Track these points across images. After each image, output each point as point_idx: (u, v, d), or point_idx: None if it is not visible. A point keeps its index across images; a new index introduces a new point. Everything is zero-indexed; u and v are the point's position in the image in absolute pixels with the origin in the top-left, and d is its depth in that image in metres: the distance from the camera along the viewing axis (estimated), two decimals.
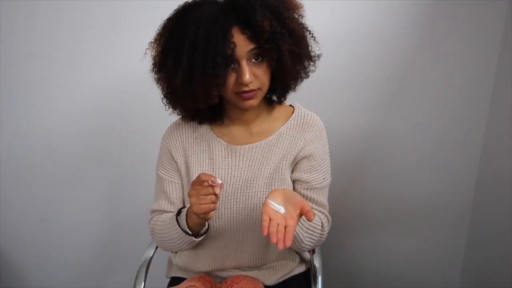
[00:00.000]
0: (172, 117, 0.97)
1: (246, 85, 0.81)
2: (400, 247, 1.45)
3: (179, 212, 0.91)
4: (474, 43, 1.17)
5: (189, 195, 0.81)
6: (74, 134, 1.43)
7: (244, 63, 0.80)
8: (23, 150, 1.46)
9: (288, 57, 0.81)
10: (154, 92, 0.92)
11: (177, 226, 0.89)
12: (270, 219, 0.71)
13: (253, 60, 0.81)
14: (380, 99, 1.28)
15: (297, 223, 0.75)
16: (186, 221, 0.88)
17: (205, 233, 0.92)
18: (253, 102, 0.85)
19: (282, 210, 0.73)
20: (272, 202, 0.74)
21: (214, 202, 0.79)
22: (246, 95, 0.83)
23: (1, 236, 1.58)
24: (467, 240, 1.38)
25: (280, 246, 0.68)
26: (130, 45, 1.21)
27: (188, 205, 0.90)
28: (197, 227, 0.89)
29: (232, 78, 0.81)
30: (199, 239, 0.91)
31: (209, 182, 0.77)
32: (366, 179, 1.38)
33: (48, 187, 1.50)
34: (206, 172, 0.93)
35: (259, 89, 0.84)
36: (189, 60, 0.77)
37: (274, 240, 0.68)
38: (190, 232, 0.89)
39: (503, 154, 1.17)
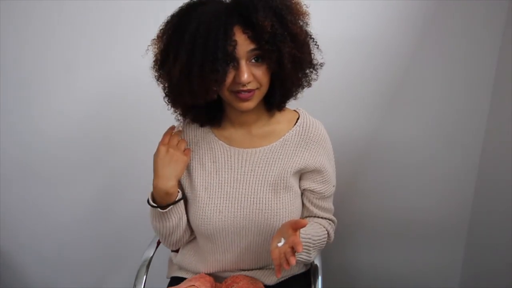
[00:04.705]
0: (171, 120, 0.96)
1: (244, 85, 0.81)
2: (399, 248, 1.45)
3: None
4: (474, 44, 1.17)
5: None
6: (74, 135, 1.42)
7: (243, 63, 0.79)
8: (22, 151, 1.46)
9: (288, 60, 0.80)
10: (152, 96, 0.92)
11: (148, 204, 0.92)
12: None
13: (253, 60, 0.81)
14: (380, 103, 1.28)
15: (298, 236, 0.81)
16: (153, 196, 0.92)
17: (174, 202, 0.92)
18: (250, 104, 0.84)
19: (282, 241, 0.79)
20: (278, 245, 0.80)
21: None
22: (243, 95, 0.82)
23: (1, 236, 1.58)
24: (466, 240, 1.38)
25: (287, 267, 0.76)
26: (129, 50, 1.22)
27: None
28: (164, 198, 0.91)
29: (230, 76, 0.80)
30: (166, 210, 0.91)
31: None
32: (366, 182, 1.38)
33: (48, 187, 1.50)
34: (210, 174, 0.94)
35: (257, 89, 0.83)
36: (188, 54, 0.77)
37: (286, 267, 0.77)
38: (155, 204, 0.91)
39: (503, 158, 1.17)
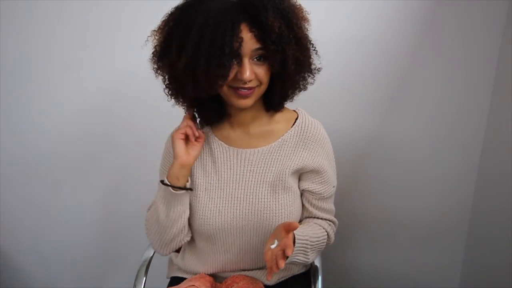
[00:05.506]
0: (171, 120, 0.96)
1: (245, 82, 0.81)
2: (399, 248, 1.45)
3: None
4: (474, 44, 1.17)
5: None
6: (74, 135, 1.43)
7: (246, 61, 0.80)
8: (22, 151, 1.46)
9: (292, 62, 0.81)
10: (153, 96, 0.92)
11: (160, 186, 0.91)
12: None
13: (255, 59, 0.81)
14: (380, 103, 1.28)
15: (290, 239, 0.80)
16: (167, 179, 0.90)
17: (186, 188, 0.90)
18: (248, 101, 0.84)
19: (275, 243, 0.80)
20: (271, 247, 0.80)
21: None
22: (242, 92, 0.82)
23: (1, 236, 1.58)
24: (466, 240, 1.38)
25: (276, 270, 0.76)
26: (129, 50, 1.22)
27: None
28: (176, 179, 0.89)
29: (232, 72, 0.80)
30: (179, 191, 0.89)
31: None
32: (366, 182, 1.38)
33: (48, 187, 1.50)
34: (210, 175, 0.94)
35: (257, 86, 0.84)
36: (194, 48, 0.77)
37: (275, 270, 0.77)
38: (169, 183, 0.88)
39: (503, 158, 1.17)
